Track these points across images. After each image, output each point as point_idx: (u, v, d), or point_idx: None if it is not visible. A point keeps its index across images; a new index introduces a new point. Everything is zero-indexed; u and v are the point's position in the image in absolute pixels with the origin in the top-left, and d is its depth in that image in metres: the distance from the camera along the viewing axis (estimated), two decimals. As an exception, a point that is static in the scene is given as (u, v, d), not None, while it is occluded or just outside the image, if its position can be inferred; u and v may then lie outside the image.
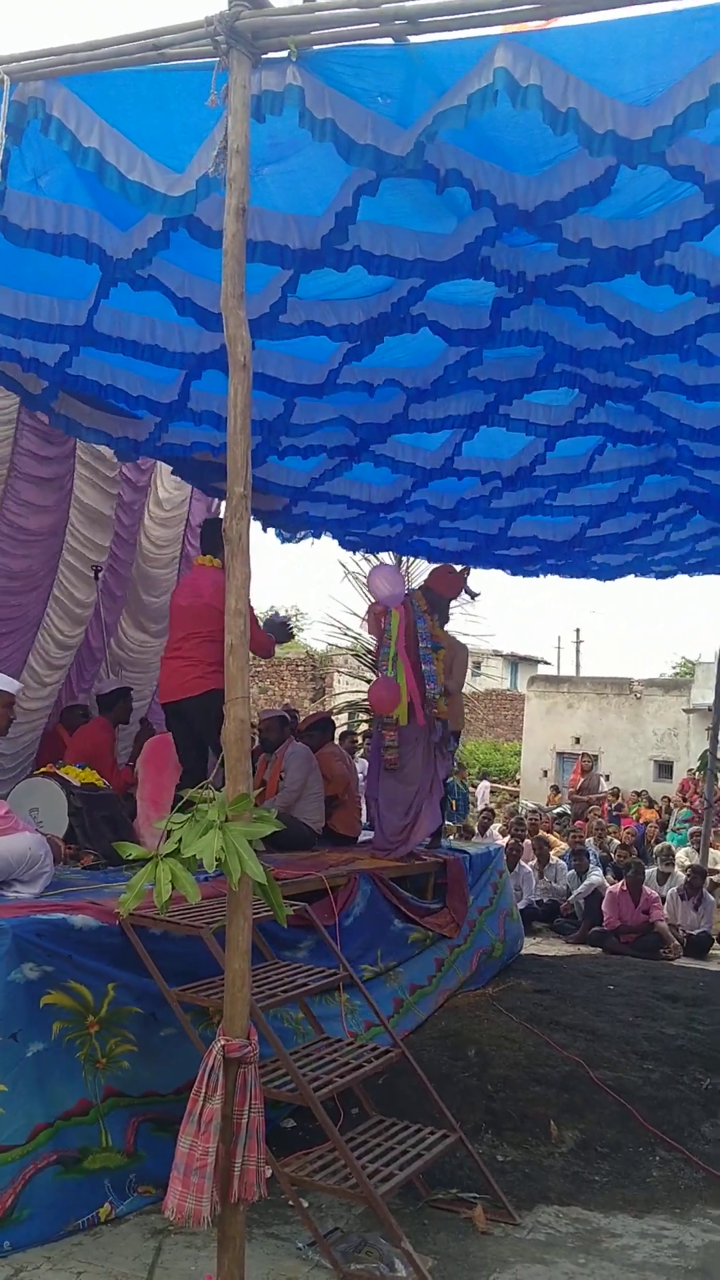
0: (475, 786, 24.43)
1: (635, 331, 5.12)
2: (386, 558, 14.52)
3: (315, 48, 3.48)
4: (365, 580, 7.85)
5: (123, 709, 8.29)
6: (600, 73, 3.50)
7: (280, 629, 7.63)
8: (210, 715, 6.28)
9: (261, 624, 7.19)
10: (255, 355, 3.86)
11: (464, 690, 8.63)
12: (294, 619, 8.89)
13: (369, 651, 13.85)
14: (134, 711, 8.92)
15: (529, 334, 5.45)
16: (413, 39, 3.48)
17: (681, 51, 3.38)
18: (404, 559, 12.97)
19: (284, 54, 3.48)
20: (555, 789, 25.45)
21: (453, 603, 8.04)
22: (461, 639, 8.73)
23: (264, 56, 3.49)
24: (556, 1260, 4.30)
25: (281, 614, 7.81)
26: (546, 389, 6.07)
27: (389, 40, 3.52)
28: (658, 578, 10.19)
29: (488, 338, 5.33)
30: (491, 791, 26.98)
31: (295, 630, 8.44)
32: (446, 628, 8.04)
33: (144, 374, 5.67)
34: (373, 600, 8.06)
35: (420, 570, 13.43)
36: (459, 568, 8.18)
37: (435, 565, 8.58)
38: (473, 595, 8.08)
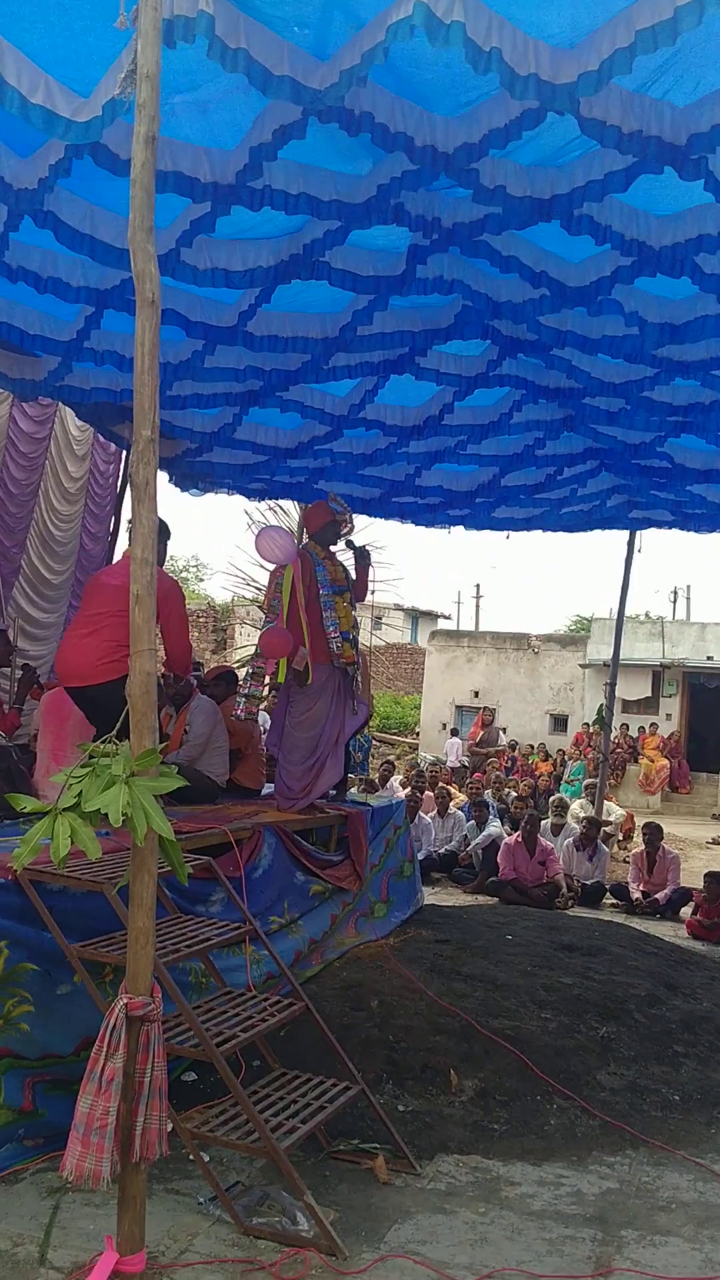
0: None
1: (550, 282, 5.08)
2: (290, 506, 14.32)
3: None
4: (255, 545, 7.62)
5: None
6: (525, 12, 3.41)
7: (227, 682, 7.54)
8: (115, 703, 5.99)
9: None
10: (162, 293, 3.70)
11: (363, 644, 8.57)
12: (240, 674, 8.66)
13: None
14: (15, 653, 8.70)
15: (443, 282, 5.37)
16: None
17: (606, -6, 3.31)
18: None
19: (197, -25, 3.32)
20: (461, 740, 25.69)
21: (341, 531, 7.80)
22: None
23: (176, -23, 3.32)
24: (457, 1210, 4.34)
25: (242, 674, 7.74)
26: (460, 339, 6.00)
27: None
28: (564, 531, 10.25)
29: (401, 284, 5.23)
30: (391, 744, 27.19)
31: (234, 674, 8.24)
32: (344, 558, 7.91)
33: (44, 310, 5.44)
34: (267, 564, 7.92)
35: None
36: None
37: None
38: (342, 509, 7.83)
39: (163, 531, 5.87)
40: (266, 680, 7.51)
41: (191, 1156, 4.33)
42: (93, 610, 6.01)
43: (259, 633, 7.82)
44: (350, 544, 7.78)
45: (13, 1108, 4.44)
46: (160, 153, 3.62)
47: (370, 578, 7.92)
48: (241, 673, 8.31)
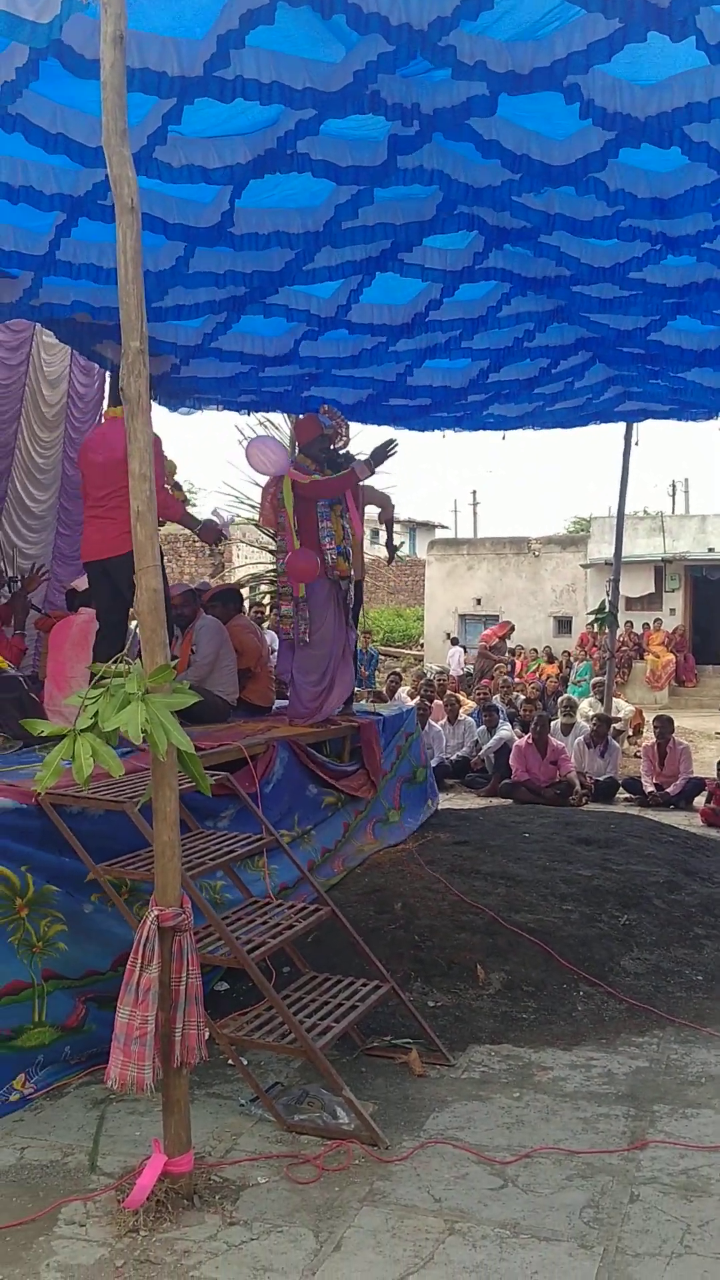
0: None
1: (533, 164, 4.92)
2: (280, 419, 14.13)
3: None
4: (246, 457, 7.47)
5: None
6: None
7: (213, 532, 7.34)
8: (128, 573, 6.10)
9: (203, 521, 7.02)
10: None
11: (365, 556, 8.41)
12: (228, 524, 8.51)
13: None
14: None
15: (423, 172, 5.20)
16: None
17: None
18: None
19: None
20: (464, 649, 25.68)
21: (333, 445, 7.67)
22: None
23: None
24: (492, 1096, 4.44)
25: (224, 517, 7.51)
26: (444, 233, 5.84)
27: None
28: (559, 428, 10.11)
29: (381, 176, 5.07)
30: (396, 656, 27.24)
31: (226, 535, 8.07)
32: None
33: (15, 223, 5.28)
34: (261, 477, 7.77)
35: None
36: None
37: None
38: (334, 421, 7.64)
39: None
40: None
41: (230, 1061, 4.42)
42: (97, 495, 6.34)
43: (279, 556, 7.65)
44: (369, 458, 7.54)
45: (56, 1025, 4.51)
46: (128, 48, 3.47)
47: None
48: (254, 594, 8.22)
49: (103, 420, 8.32)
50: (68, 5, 3.54)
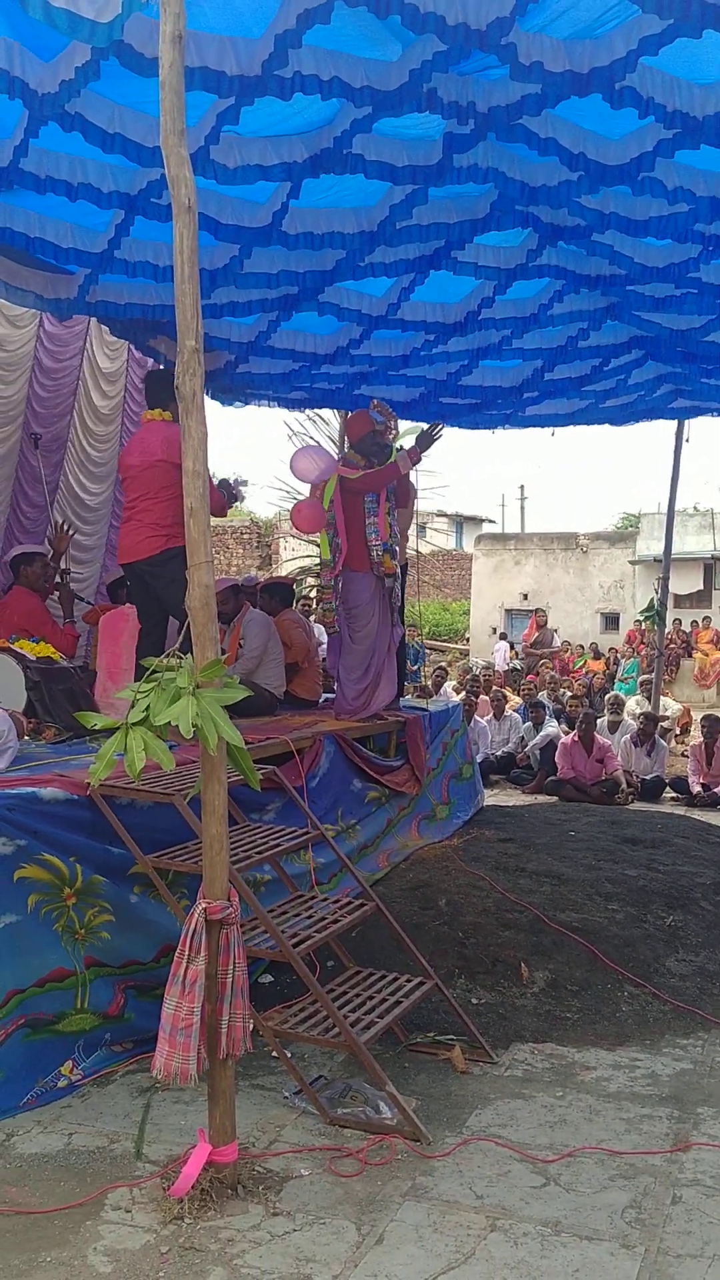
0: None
1: (589, 163, 4.90)
2: (331, 415, 14.19)
3: None
4: (291, 465, 7.52)
5: (29, 574, 7.87)
6: None
7: (226, 491, 7.38)
8: (164, 577, 6.19)
9: (216, 482, 6.98)
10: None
11: (409, 551, 8.43)
12: (241, 484, 8.56)
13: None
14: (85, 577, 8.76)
15: (478, 171, 5.19)
16: None
17: None
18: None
19: None
20: (510, 644, 25.60)
21: (385, 438, 7.65)
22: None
23: None
24: (535, 1094, 4.45)
25: (232, 478, 7.51)
26: (498, 230, 5.83)
27: None
28: (610, 424, 10.05)
29: (436, 175, 5.08)
30: (442, 651, 27.19)
31: (240, 495, 8.07)
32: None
33: (74, 221, 5.35)
34: (309, 483, 7.80)
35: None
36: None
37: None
38: (385, 417, 7.62)
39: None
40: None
41: (274, 1053, 4.46)
42: (129, 497, 6.55)
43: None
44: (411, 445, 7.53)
45: (98, 1013, 4.58)
46: (186, 47, 3.50)
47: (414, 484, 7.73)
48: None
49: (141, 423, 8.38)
50: (128, 4, 3.58)
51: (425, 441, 7.51)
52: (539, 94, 4.38)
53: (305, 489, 8.25)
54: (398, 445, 7.92)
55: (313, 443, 15.69)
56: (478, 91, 4.53)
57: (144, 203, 4.97)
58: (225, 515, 6.77)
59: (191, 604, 3.54)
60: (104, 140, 4.35)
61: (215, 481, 6.99)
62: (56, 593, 8.27)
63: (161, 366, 7.73)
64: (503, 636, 26.81)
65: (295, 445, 7.76)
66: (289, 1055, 4.42)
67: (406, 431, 11.11)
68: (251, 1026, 3.77)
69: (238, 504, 8.11)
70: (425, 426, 7.88)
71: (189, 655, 3.57)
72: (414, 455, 7.41)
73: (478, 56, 4.14)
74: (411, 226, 5.59)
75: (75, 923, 4.54)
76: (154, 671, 3.55)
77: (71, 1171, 3.78)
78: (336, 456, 7.47)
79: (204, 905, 3.57)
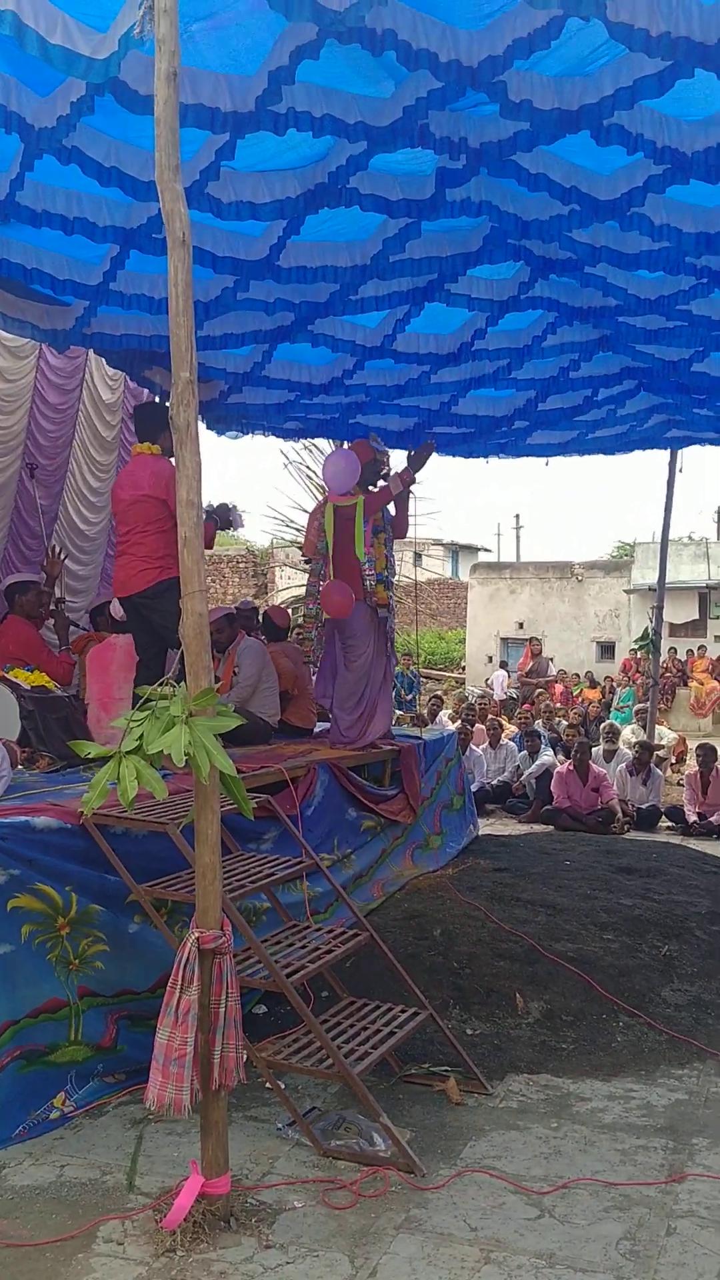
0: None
1: (581, 197, 4.97)
2: (325, 445, 14.20)
3: None
4: (322, 472, 7.55)
5: (24, 602, 7.82)
6: None
7: (221, 516, 7.40)
8: (159, 608, 6.21)
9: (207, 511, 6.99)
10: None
11: (406, 580, 8.45)
12: (236, 511, 8.61)
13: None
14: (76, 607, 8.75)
15: (471, 205, 5.28)
16: None
17: None
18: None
19: None
20: (509, 673, 25.61)
21: (380, 472, 7.68)
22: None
23: None
24: (530, 1126, 4.42)
25: (229, 505, 7.52)
26: (490, 263, 5.89)
27: None
28: (603, 454, 10.12)
29: (430, 209, 5.14)
30: (438, 679, 27.19)
31: (236, 521, 8.10)
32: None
33: (70, 254, 5.41)
34: (308, 502, 7.82)
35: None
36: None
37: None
38: (381, 450, 7.64)
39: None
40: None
41: (268, 1085, 4.43)
42: (121, 531, 6.60)
43: (311, 579, 7.71)
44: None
45: (91, 1044, 4.56)
46: (180, 84, 3.55)
47: (410, 511, 7.76)
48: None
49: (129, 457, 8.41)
50: (124, 41, 3.63)
51: (417, 461, 7.54)
52: (530, 130, 4.44)
53: (299, 518, 8.29)
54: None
55: (308, 470, 15.78)
56: (469, 127, 4.61)
57: (140, 236, 5.03)
58: (213, 547, 6.74)
59: (185, 633, 3.56)
60: (100, 174, 4.41)
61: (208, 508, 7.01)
62: (51, 620, 8.27)
63: (156, 398, 7.78)
64: (502, 665, 26.83)
65: (291, 475, 7.81)
66: (283, 1086, 4.40)
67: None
68: (245, 1057, 3.76)
69: (234, 532, 8.13)
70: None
71: (183, 684, 3.58)
72: (406, 476, 7.44)
73: (469, 93, 4.20)
74: (405, 260, 5.66)
75: (69, 953, 4.52)
76: (148, 700, 3.56)
77: (63, 1204, 3.75)
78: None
79: (196, 935, 3.56)
